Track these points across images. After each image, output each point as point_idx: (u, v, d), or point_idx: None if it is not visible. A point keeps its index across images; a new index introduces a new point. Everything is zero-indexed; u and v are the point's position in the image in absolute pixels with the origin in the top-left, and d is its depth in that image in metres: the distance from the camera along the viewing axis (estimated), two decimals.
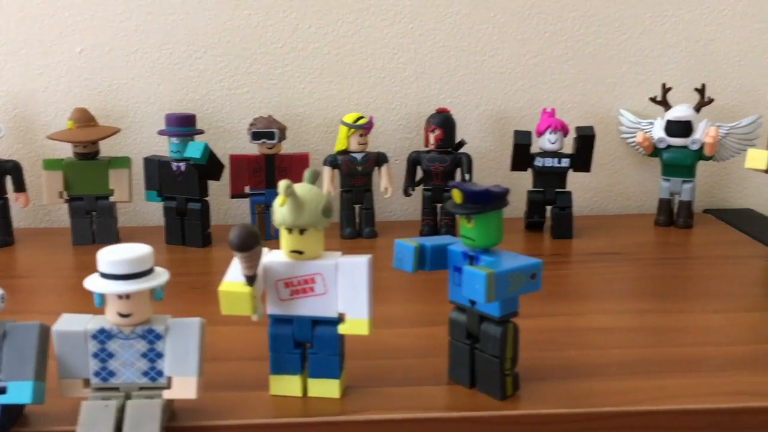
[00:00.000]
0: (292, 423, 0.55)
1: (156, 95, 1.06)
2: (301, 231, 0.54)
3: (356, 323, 0.55)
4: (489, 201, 0.54)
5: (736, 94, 1.09)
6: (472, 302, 0.56)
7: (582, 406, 0.56)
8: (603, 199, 1.13)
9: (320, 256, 0.55)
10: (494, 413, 0.55)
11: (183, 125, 0.95)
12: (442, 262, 0.57)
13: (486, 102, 1.09)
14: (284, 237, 0.54)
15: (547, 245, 0.98)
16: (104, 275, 0.51)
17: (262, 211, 0.99)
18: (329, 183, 0.99)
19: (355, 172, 0.99)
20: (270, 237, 0.98)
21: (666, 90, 1.03)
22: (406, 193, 1.01)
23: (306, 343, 0.57)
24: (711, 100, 1.01)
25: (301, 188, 0.54)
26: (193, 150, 0.91)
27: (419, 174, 1.01)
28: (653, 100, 1.03)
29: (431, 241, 0.57)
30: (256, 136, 0.96)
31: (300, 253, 0.54)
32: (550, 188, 1.00)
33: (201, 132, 0.97)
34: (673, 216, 1.04)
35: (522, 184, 1.04)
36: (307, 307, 0.55)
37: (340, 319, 0.55)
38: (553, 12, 1.06)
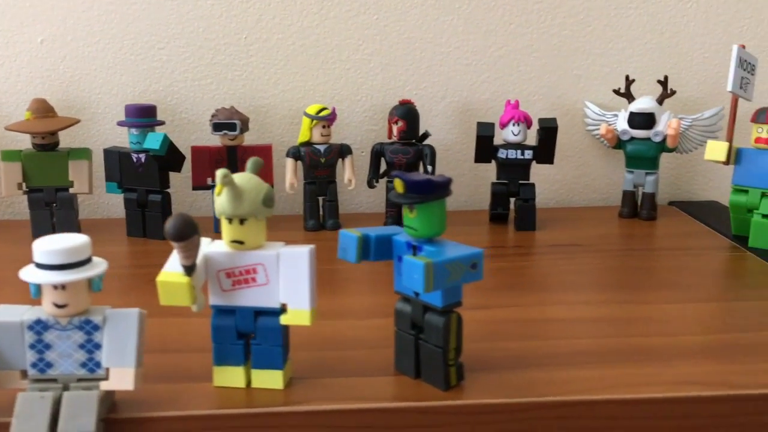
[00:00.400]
0: (233, 414, 0.54)
1: (119, 86, 1.05)
2: (242, 221, 0.53)
3: (298, 314, 0.54)
4: (430, 191, 0.53)
5: (701, 87, 1.09)
6: (416, 293, 0.56)
7: (523, 396, 0.55)
8: (569, 191, 1.14)
9: (262, 246, 0.55)
10: (434, 403, 0.54)
11: (142, 116, 0.94)
12: (387, 253, 0.57)
13: (452, 94, 1.09)
14: (225, 227, 0.54)
15: (510, 237, 0.98)
16: (39, 265, 0.50)
17: None
18: (292, 174, 0.98)
19: (318, 164, 0.99)
20: None
21: (629, 82, 1.03)
22: (370, 185, 1.01)
23: (249, 334, 0.56)
24: (673, 92, 1.01)
25: (242, 178, 0.53)
26: (152, 141, 0.91)
27: (384, 166, 1.00)
28: (617, 92, 1.03)
29: (376, 231, 0.57)
30: (217, 127, 0.96)
31: (240, 243, 0.54)
32: (513, 180, 1.00)
33: (161, 123, 0.97)
34: (637, 208, 1.04)
35: (488, 176, 1.04)
36: (249, 298, 0.55)
37: (282, 309, 0.55)
38: (518, 4, 1.06)
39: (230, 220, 0.53)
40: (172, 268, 0.53)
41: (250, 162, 0.55)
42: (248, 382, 0.57)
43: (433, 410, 0.55)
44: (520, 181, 0.99)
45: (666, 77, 1.01)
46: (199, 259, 0.53)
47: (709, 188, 1.15)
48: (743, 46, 0.87)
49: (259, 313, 0.55)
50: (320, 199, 1.00)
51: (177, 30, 1.04)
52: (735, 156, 0.90)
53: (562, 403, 0.55)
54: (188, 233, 0.50)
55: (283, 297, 0.54)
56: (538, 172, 1.11)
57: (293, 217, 1.03)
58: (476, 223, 1.03)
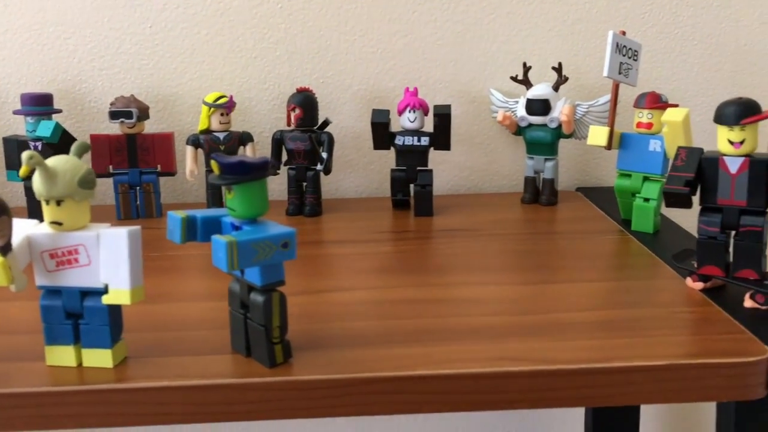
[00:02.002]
0: (60, 391, 0.56)
1: (27, 76, 1.06)
2: (58, 202, 0.54)
3: (118, 293, 0.56)
4: (245, 172, 0.55)
5: (601, 73, 1.09)
6: (242, 272, 0.58)
7: (346, 372, 0.57)
8: (479, 177, 1.15)
9: (84, 228, 0.56)
10: (253, 380, 0.56)
11: (37, 104, 0.95)
12: (215, 234, 0.58)
13: (358, 82, 1.10)
14: (44, 208, 0.55)
15: (410, 222, 0.99)
16: None
17: (126, 191, 0.99)
18: (192, 162, 1.00)
19: (218, 152, 1.00)
20: (136, 216, 0.99)
21: (526, 69, 1.04)
22: (272, 173, 1.02)
23: (78, 314, 0.58)
24: (566, 79, 1.02)
25: (58, 160, 0.54)
26: (44, 129, 0.92)
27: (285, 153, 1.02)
28: (514, 79, 1.04)
29: (204, 212, 0.58)
30: (113, 115, 0.97)
31: (59, 224, 0.55)
32: (412, 166, 1.01)
33: (57, 111, 0.98)
34: (539, 194, 1.05)
35: (394, 163, 1.05)
36: (74, 278, 0.56)
37: (106, 289, 0.56)
38: None
39: (47, 202, 0.55)
40: None
41: (75, 145, 0.56)
42: (79, 361, 0.58)
43: (252, 387, 0.56)
44: (418, 168, 1.01)
45: (560, 64, 1.02)
46: (20, 240, 0.54)
47: (615, 174, 1.16)
48: (623, 33, 0.88)
49: (85, 293, 0.57)
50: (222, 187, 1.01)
51: (82, 20, 1.05)
52: (619, 141, 0.91)
53: (378, 379, 0.56)
54: None
55: (104, 277, 0.56)
56: (448, 159, 1.13)
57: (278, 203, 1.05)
58: (380, 209, 1.04)
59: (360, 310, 0.70)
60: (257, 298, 0.57)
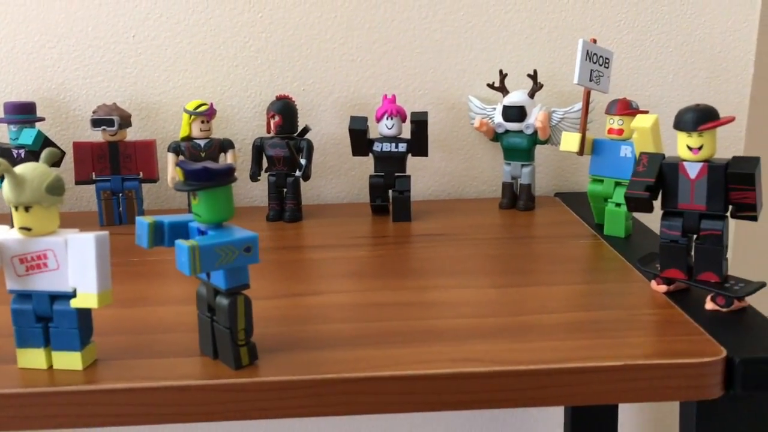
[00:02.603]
0: (29, 393, 0.57)
1: (12, 85, 1.08)
2: (27, 208, 0.56)
3: (86, 297, 0.57)
4: (209, 178, 0.56)
5: None
6: (208, 275, 0.59)
7: (310, 374, 0.58)
8: (459, 183, 1.16)
9: (53, 233, 0.58)
10: (216, 381, 0.57)
11: (19, 113, 0.97)
12: (182, 239, 0.60)
13: (339, 89, 1.11)
14: (13, 214, 0.57)
15: (387, 227, 1.00)
16: None
17: (109, 197, 1.01)
18: (173, 169, 1.01)
19: (199, 158, 1.01)
20: (119, 222, 1.01)
21: (503, 76, 1.05)
22: (253, 179, 1.03)
23: (48, 317, 0.59)
24: (541, 86, 1.03)
25: (26, 167, 0.56)
26: (26, 137, 0.94)
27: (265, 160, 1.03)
28: (491, 86, 1.06)
29: (172, 218, 0.60)
30: (95, 123, 0.99)
31: (28, 229, 0.56)
32: (390, 172, 1.02)
33: (41, 119, 1.00)
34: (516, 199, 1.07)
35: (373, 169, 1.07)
36: (43, 282, 0.58)
37: (74, 293, 0.58)
38: (399, 1, 1.09)
39: (17, 208, 0.56)
40: None
41: (44, 152, 0.58)
42: (50, 364, 0.60)
43: (215, 388, 0.57)
44: (396, 174, 1.02)
45: (535, 71, 1.04)
46: None
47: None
48: (594, 41, 0.90)
49: (55, 297, 0.58)
50: None
51: (66, 29, 1.07)
52: (592, 147, 0.92)
53: (337, 380, 0.58)
54: None
55: (72, 281, 0.57)
56: (428, 166, 1.15)
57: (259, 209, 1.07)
58: (360, 215, 1.06)
59: (332, 313, 0.71)
60: (222, 301, 0.58)
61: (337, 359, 0.61)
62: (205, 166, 0.56)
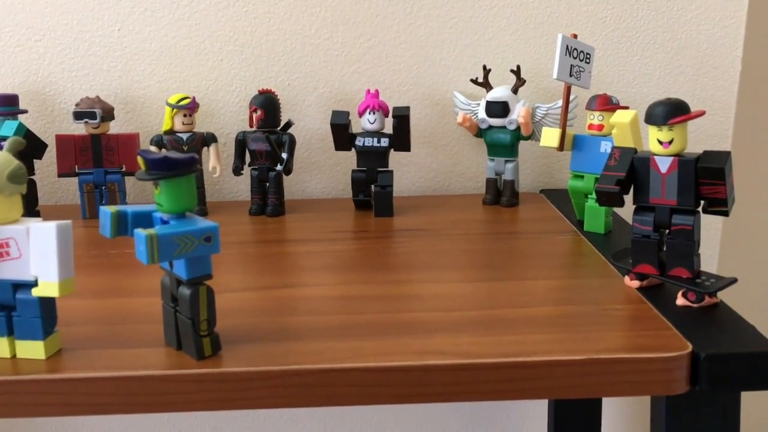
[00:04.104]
0: None
1: None
2: None
3: (47, 285, 0.57)
4: (170, 168, 0.56)
5: None
6: (171, 264, 0.59)
7: (272, 365, 0.58)
8: (443, 179, 1.16)
9: (16, 221, 0.58)
10: (177, 372, 0.57)
11: (2, 105, 0.97)
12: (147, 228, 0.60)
13: (323, 84, 1.11)
14: None
15: (369, 222, 1.00)
16: None
17: (91, 190, 1.01)
18: None
19: (181, 152, 1.01)
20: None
21: (486, 72, 1.05)
22: (236, 173, 1.03)
23: (11, 306, 0.59)
24: (524, 81, 1.03)
25: None
26: (7, 129, 0.94)
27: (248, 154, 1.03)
28: (474, 81, 1.06)
29: (136, 207, 0.60)
30: (77, 116, 0.99)
31: None
32: (372, 167, 1.02)
33: (23, 111, 1.00)
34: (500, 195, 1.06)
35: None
36: (5, 271, 0.58)
37: (36, 282, 0.58)
38: None
39: None
40: None
41: (8, 142, 0.58)
42: (14, 353, 0.60)
43: (175, 378, 0.57)
44: (379, 169, 1.02)
45: (518, 67, 1.03)
46: None
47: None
48: (574, 36, 0.89)
49: (17, 285, 0.58)
50: None
51: (52, 23, 1.07)
52: (572, 143, 0.92)
53: (298, 371, 0.57)
54: None
55: (34, 270, 0.57)
56: (413, 161, 1.14)
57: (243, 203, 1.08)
58: (343, 209, 1.06)
59: (303, 305, 0.71)
60: (184, 291, 0.58)
61: (301, 351, 0.60)
62: (165, 156, 0.56)
